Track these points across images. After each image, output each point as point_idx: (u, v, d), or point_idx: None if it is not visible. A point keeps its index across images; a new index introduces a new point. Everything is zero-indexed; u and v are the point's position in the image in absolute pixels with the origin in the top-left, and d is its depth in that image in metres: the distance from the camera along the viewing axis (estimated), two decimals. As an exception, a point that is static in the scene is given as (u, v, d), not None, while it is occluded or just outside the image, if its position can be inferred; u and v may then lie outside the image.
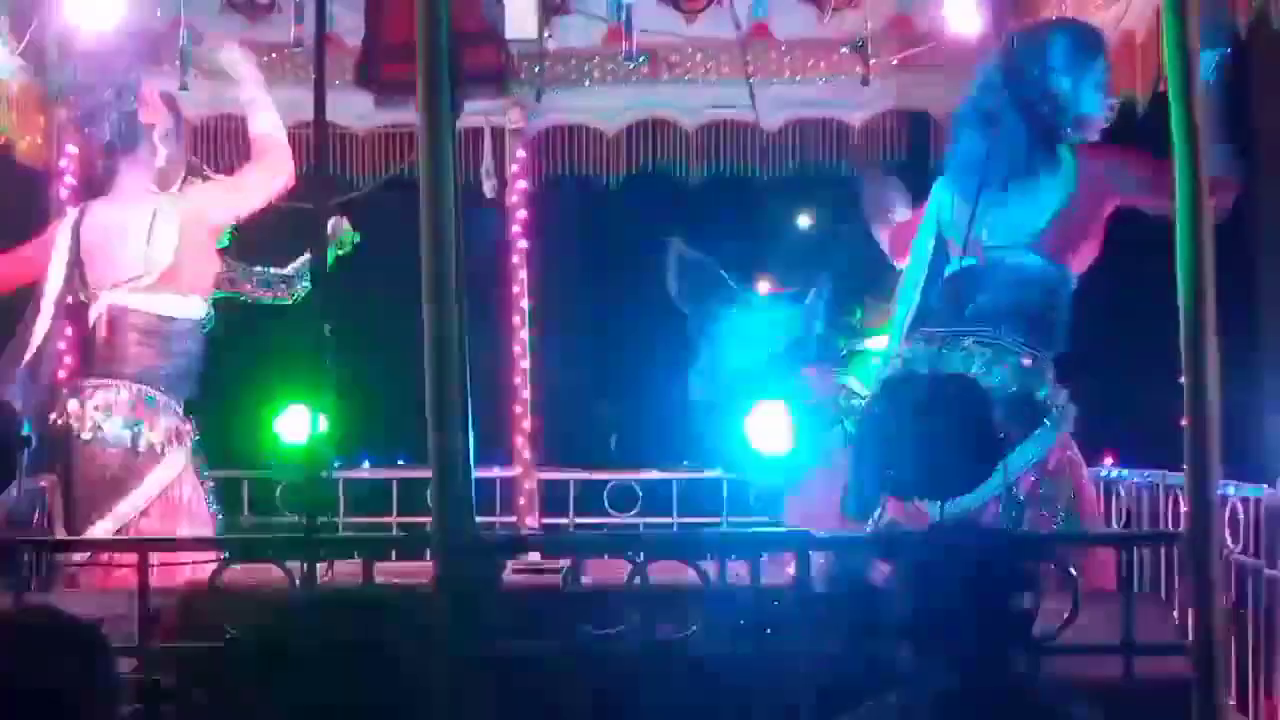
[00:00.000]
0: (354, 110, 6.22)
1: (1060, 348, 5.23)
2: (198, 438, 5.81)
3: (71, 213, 5.78)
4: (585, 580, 4.08)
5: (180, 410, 5.67)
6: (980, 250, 5.15)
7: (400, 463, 7.18)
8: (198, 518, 5.62)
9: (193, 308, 5.66)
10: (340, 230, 6.19)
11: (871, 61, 6.56)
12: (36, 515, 5.47)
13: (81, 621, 2.48)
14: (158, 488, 5.54)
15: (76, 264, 5.64)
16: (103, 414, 5.50)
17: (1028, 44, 5.22)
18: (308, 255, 6.06)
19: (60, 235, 5.68)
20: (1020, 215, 5.16)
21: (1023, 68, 5.14)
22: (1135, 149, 5.12)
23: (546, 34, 5.95)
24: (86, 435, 5.50)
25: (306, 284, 6.19)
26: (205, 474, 5.90)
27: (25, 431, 4.88)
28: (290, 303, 6.26)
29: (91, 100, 5.66)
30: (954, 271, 5.27)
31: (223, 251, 5.95)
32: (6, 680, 2.36)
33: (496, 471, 6.32)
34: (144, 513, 5.51)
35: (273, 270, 6.27)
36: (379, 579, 4.13)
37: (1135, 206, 5.08)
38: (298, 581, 3.85)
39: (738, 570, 4.13)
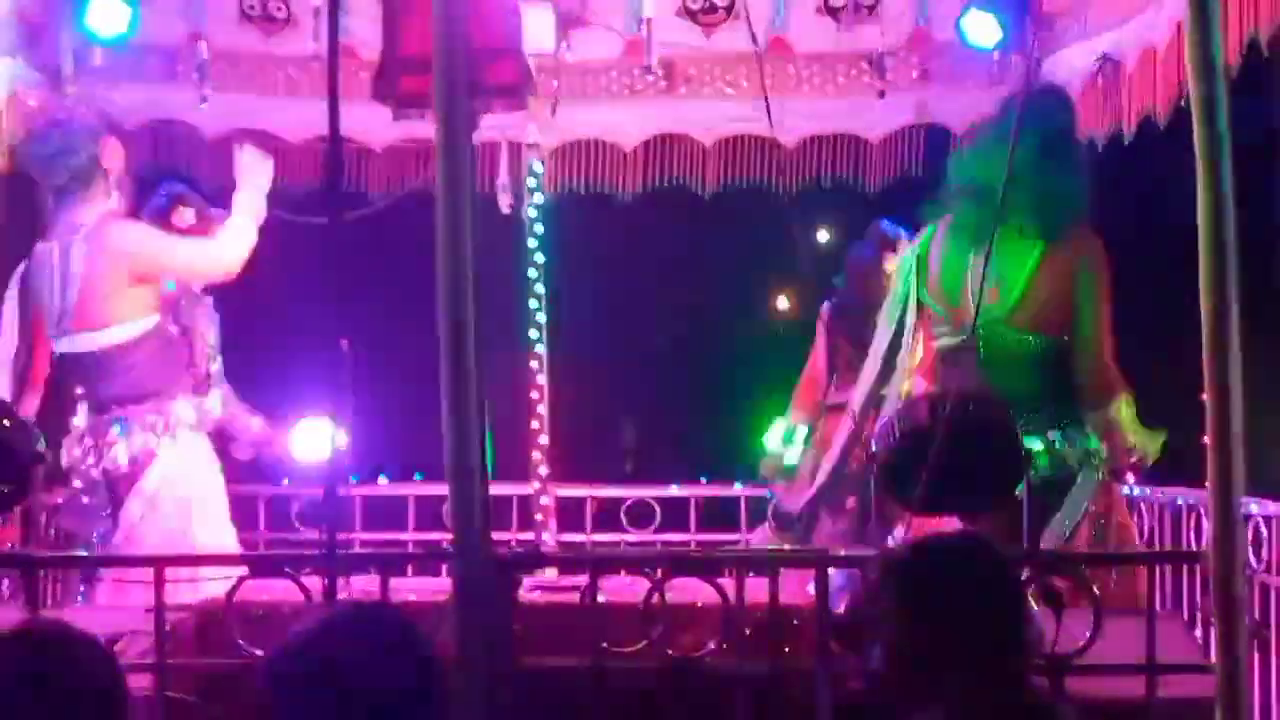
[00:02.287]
0: (370, 124, 6.21)
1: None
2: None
3: (20, 268, 5.75)
4: (602, 597, 4.05)
5: (164, 418, 5.61)
6: (967, 324, 5.01)
7: (417, 478, 7.16)
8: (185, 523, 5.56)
9: (125, 331, 5.59)
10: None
11: (889, 76, 6.55)
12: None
13: (88, 637, 2.47)
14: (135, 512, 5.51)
15: (28, 316, 5.65)
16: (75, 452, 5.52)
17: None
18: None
19: (9, 294, 5.70)
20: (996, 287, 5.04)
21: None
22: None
23: (564, 47, 5.93)
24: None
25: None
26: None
27: (41, 448, 4.87)
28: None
29: (46, 148, 5.62)
30: (949, 351, 5.18)
31: None
32: (13, 695, 2.35)
33: (513, 488, 6.30)
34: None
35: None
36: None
37: None
38: (316, 598, 3.83)
39: (756, 587, 4.11)
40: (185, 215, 6.13)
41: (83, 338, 5.56)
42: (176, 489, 5.53)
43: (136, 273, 5.55)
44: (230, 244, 5.69)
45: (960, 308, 5.05)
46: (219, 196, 6.09)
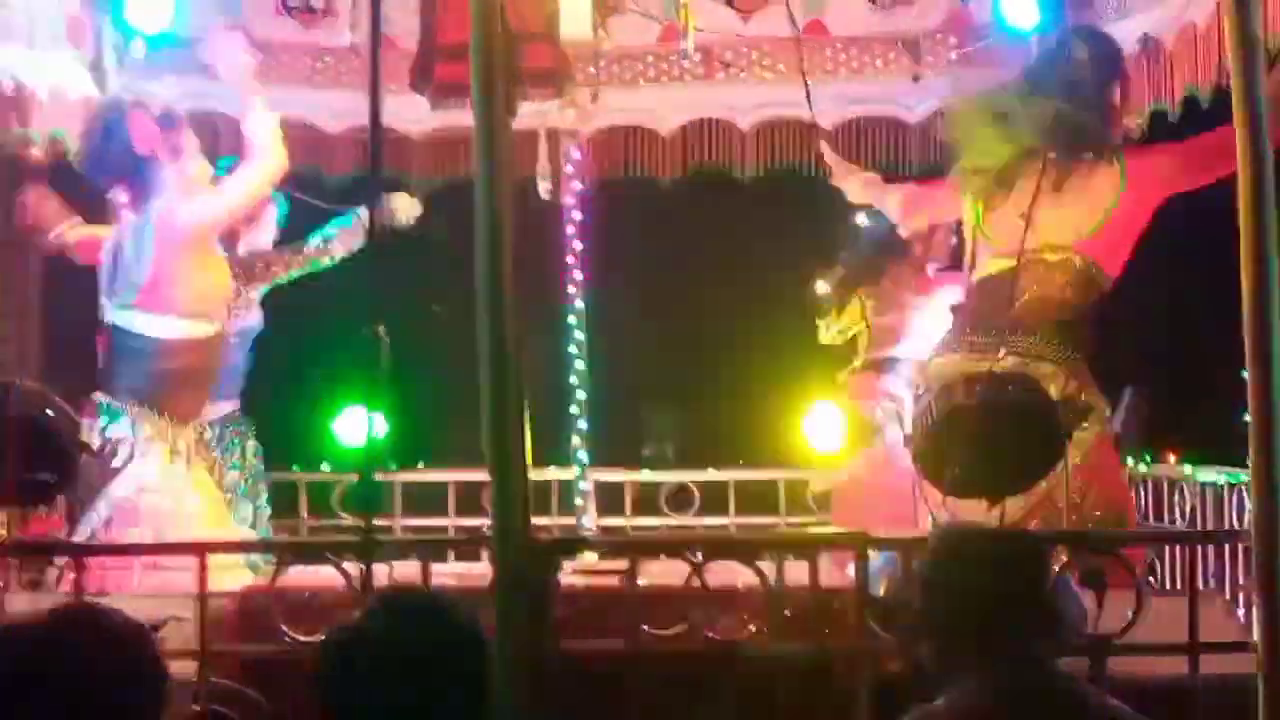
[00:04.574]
0: (410, 113, 6.23)
1: (1093, 349, 5.17)
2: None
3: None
4: (642, 581, 4.07)
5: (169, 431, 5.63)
6: (1019, 250, 5.09)
7: (457, 465, 7.18)
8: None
9: (175, 327, 5.58)
10: (400, 205, 6.16)
11: (926, 59, 6.53)
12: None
13: (131, 622, 2.49)
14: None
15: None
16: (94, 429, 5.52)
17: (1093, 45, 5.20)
18: (361, 210, 5.96)
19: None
20: (1073, 216, 5.11)
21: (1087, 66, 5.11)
22: (1168, 142, 5.11)
23: (601, 34, 5.94)
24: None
25: (358, 238, 6.11)
26: (248, 479, 5.90)
27: (84, 437, 4.91)
28: (341, 258, 6.20)
29: (90, 148, 5.66)
30: (990, 275, 5.22)
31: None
32: (53, 682, 2.37)
33: (553, 473, 6.32)
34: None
35: (314, 240, 6.25)
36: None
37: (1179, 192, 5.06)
38: (356, 584, 3.86)
39: (796, 570, 4.12)
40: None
41: (138, 317, 5.57)
42: (156, 501, 5.50)
43: (207, 241, 5.60)
44: (263, 147, 5.61)
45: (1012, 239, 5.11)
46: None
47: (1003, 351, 4.97)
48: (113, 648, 2.43)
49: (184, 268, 5.54)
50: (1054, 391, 4.88)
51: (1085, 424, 4.98)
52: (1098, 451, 5.02)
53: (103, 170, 5.68)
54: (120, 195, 5.68)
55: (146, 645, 2.49)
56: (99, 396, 5.47)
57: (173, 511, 5.45)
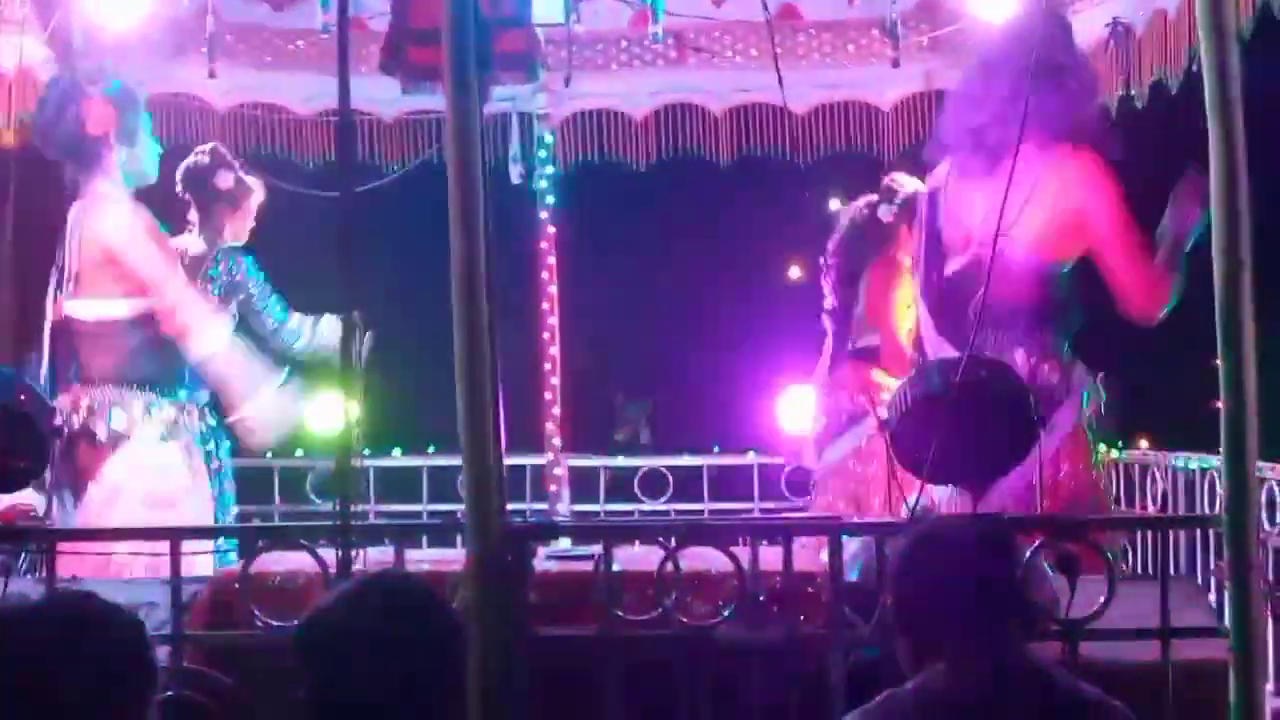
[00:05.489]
0: (381, 96, 6.21)
1: (1065, 334, 5.17)
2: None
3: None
4: (616, 567, 4.07)
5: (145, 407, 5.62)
6: (972, 246, 5.11)
7: (431, 450, 7.18)
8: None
9: (113, 308, 5.58)
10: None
11: (901, 43, 6.52)
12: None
13: (120, 608, 2.50)
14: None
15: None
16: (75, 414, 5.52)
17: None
18: (327, 319, 6.04)
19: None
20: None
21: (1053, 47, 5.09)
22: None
23: (574, 18, 5.92)
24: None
25: (304, 344, 6.15)
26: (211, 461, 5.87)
27: (57, 422, 4.89)
28: (289, 347, 6.18)
29: (42, 121, 5.65)
30: (952, 274, 5.23)
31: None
32: (47, 667, 2.38)
33: (527, 458, 6.31)
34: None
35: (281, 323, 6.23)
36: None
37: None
38: (331, 569, 3.85)
39: (770, 555, 4.12)
40: (226, 177, 6.17)
41: (79, 304, 5.58)
42: (143, 482, 5.51)
43: (110, 260, 5.56)
44: (206, 331, 5.59)
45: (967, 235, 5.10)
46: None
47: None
48: (109, 637, 2.44)
49: (98, 263, 5.57)
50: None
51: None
52: (1071, 437, 5.04)
53: (51, 144, 5.66)
54: (70, 171, 5.66)
55: (140, 635, 2.50)
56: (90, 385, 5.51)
57: (159, 491, 5.49)
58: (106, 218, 5.57)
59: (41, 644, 2.40)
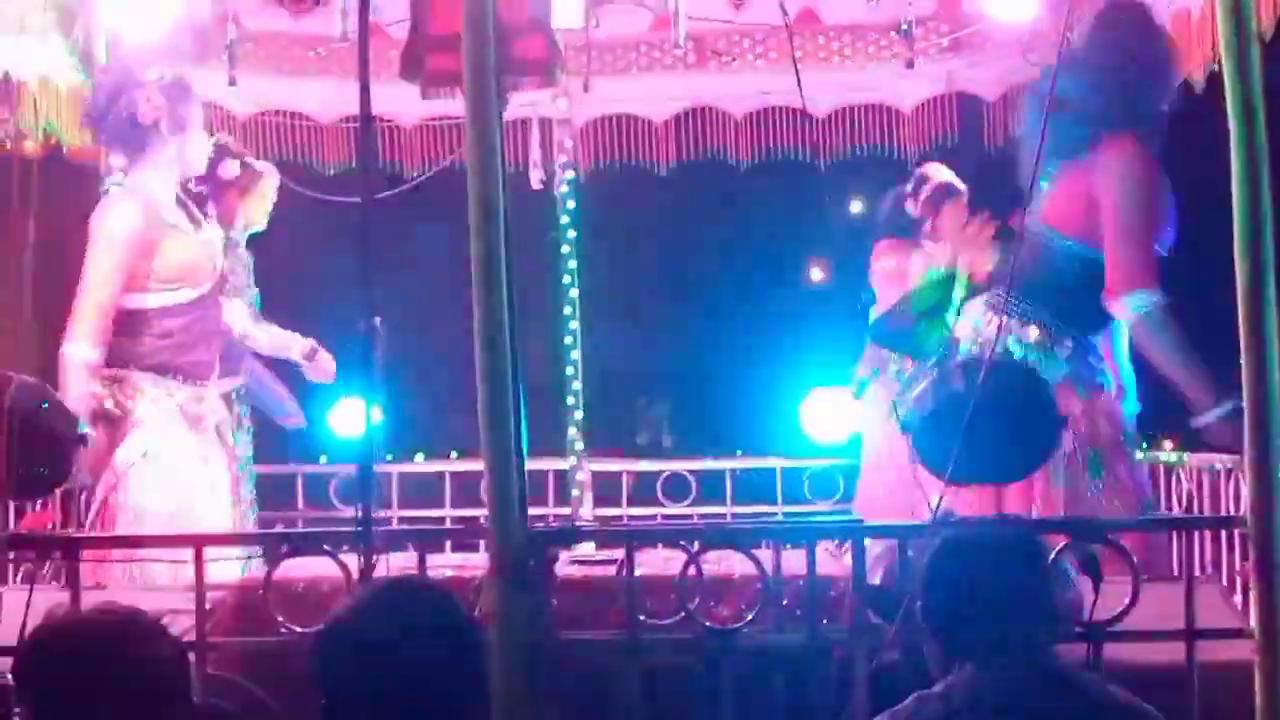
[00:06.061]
0: (401, 103, 6.22)
1: (1093, 325, 5.17)
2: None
3: None
4: (639, 571, 4.06)
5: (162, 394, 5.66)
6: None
7: (453, 455, 7.19)
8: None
9: (141, 299, 5.60)
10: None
11: (919, 46, 6.51)
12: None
13: (163, 628, 2.54)
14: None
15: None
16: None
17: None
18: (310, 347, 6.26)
19: None
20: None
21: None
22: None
23: (593, 23, 5.93)
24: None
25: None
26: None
27: (81, 430, 4.90)
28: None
29: (94, 107, 5.69)
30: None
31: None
32: (101, 679, 2.42)
33: (549, 463, 6.32)
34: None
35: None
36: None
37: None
38: (354, 575, 3.85)
39: (793, 559, 4.12)
40: (231, 166, 6.21)
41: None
42: (154, 467, 5.52)
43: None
44: (69, 373, 5.49)
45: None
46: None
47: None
48: (149, 654, 2.48)
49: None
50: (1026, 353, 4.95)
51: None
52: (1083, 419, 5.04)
53: (103, 131, 5.69)
54: (118, 159, 5.69)
55: (180, 654, 2.54)
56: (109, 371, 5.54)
57: (176, 479, 5.50)
58: (109, 209, 5.59)
59: (88, 663, 2.44)
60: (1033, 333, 5.07)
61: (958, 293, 5.83)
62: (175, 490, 5.48)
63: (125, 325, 5.58)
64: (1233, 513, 5.24)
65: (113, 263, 5.54)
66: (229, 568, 4.87)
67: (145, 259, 5.57)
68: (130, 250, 5.55)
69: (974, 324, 5.18)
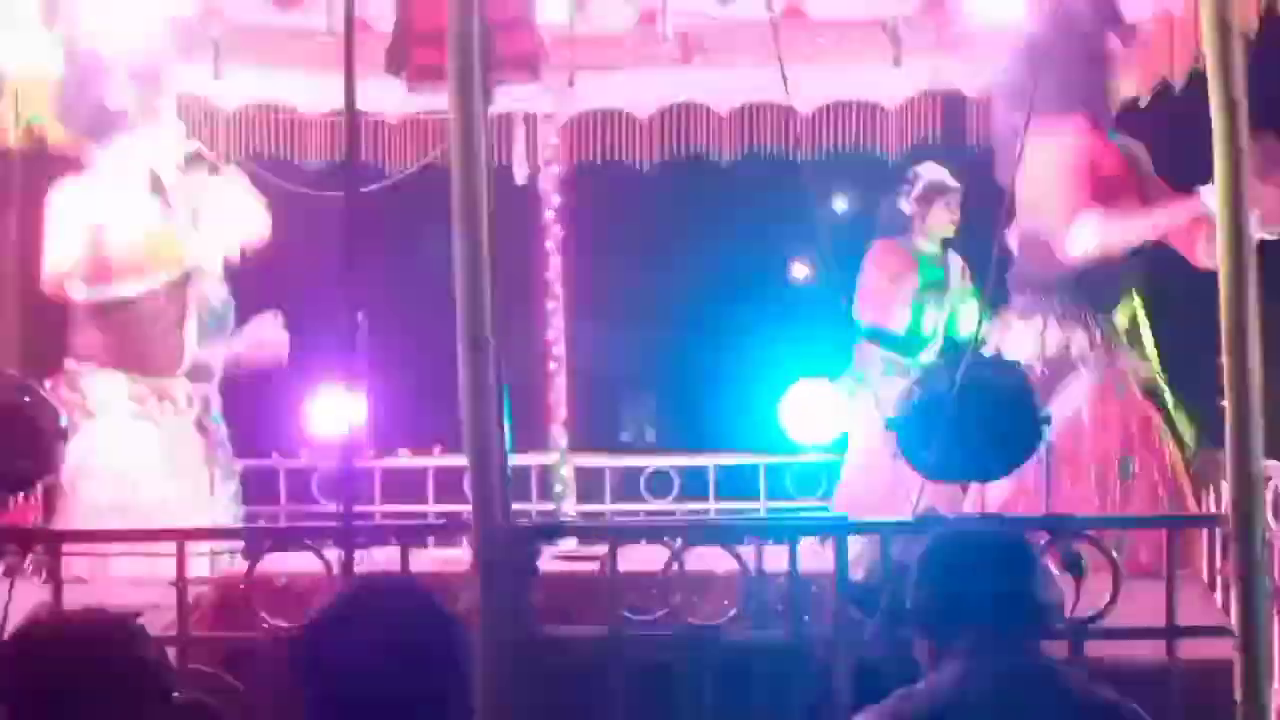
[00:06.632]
0: (386, 98, 6.21)
1: (1110, 299, 5.22)
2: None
3: None
4: (622, 567, 4.07)
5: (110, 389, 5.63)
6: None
7: (437, 450, 7.18)
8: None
9: (100, 290, 5.57)
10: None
11: (905, 43, 6.51)
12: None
13: (128, 621, 2.53)
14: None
15: None
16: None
17: None
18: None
19: None
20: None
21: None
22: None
23: (577, 18, 5.92)
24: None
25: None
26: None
27: (63, 424, 4.89)
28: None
29: (63, 94, 5.66)
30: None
31: None
32: (65, 682, 2.42)
33: (533, 458, 6.31)
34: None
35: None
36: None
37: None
38: (336, 570, 3.85)
39: (776, 555, 4.12)
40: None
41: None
42: (106, 463, 5.49)
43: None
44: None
45: None
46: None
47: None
48: (127, 655, 2.48)
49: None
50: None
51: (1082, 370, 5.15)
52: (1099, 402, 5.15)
53: (72, 120, 5.66)
54: (90, 148, 5.66)
55: (160, 652, 2.54)
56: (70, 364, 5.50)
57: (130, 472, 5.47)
58: (60, 192, 5.56)
59: (66, 663, 2.44)
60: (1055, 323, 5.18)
61: (952, 289, 5.87)
62: (125, 485, 5.44)
63: (83, 317, 5.55)
64: (1214, 510, 5.26)
65: (71, 235, 5.53)
66: (198, 562, 4.85)
67: (96, 248, 5.54)
68: (77, 234, 5.53)
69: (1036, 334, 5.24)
